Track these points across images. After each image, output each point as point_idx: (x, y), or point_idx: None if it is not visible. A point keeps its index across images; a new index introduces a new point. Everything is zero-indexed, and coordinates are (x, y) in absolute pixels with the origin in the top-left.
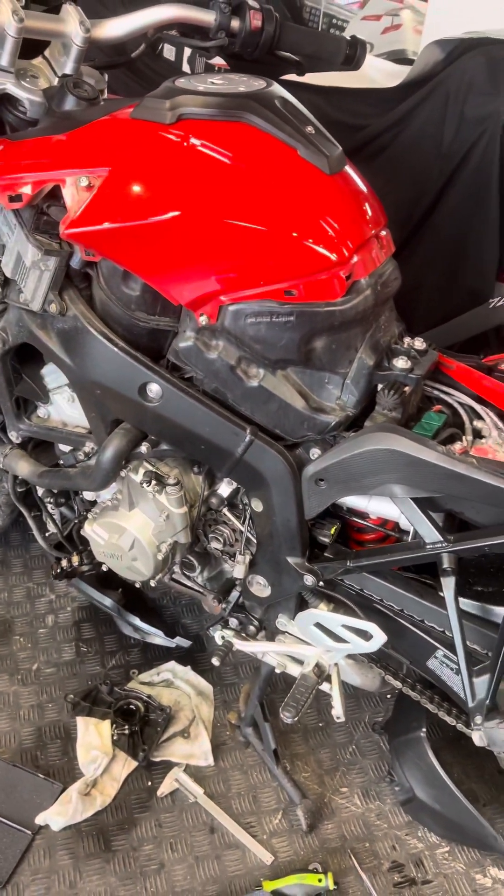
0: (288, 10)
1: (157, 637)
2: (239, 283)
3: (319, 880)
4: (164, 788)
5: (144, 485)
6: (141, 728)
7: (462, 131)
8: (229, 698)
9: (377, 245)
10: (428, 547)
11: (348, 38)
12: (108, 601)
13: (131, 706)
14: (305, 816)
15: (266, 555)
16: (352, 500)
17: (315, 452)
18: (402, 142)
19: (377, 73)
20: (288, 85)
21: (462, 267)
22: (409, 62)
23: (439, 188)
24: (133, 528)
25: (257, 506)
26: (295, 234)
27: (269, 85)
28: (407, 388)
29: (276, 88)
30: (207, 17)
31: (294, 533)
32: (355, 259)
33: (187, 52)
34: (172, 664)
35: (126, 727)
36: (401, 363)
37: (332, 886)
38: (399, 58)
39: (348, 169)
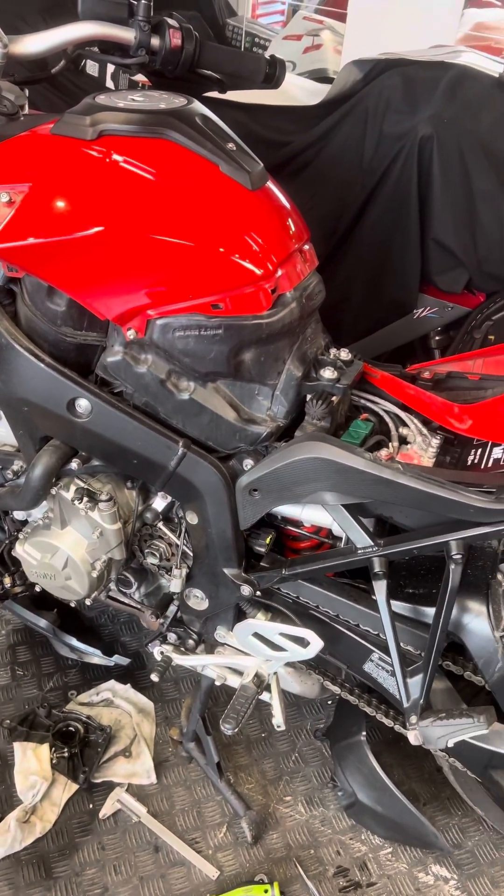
0: (210, 29)
1: (95, 657)
2: (166, 297)
3: (266, 891)
4: (107, 810)
5: (76, 502)
6: (81, 750)
7: (381, 148)
8: (171, 714)
9: (301, 259)
10: (359, 552)
11: (268, 57)
12: (42, 622)
13: (70, 728)
14: (250, 828)
15: (202, 567)
16: (286, 509)
17: (248, 463)
18: (325, 158)
19: (299, 91)
20: (211, 102)
21: (386, 279)
22: (330, 80)
23: (362, 203)
24: (66, 546)
25: (192, 518)
26: (221, 249)
27: (189, 102)
28: (334, 398)
29: (197, 106)
30: (127, 34)
31: (230, 544)
32: (280, 273)
33: (111, 68)
34: (112, 683)
35: (65, 750)
36: (327, 374)
37: None
38: (320, 76)
39: (270, 185)
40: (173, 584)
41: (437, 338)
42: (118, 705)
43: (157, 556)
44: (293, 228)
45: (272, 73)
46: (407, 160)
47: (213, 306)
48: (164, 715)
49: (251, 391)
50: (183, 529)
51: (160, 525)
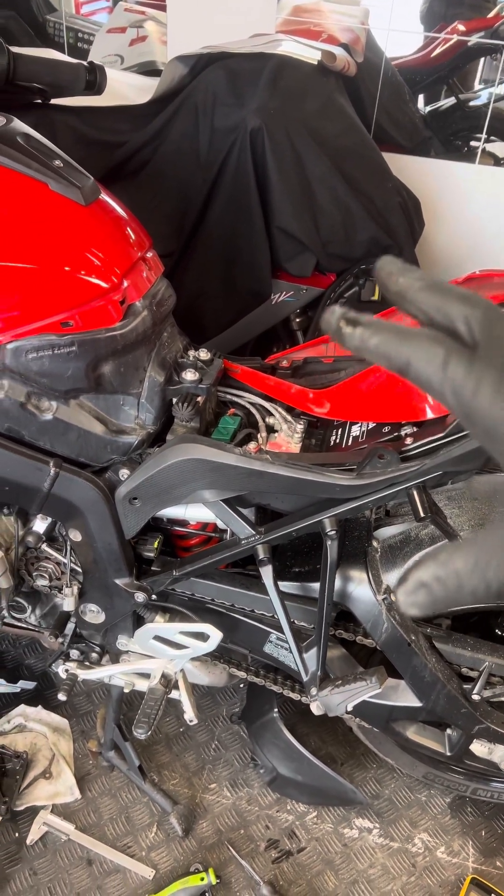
0: (31, 28)
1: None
2: (13, 321)
3: (202, 878)
4: (33, 835)
5: None
6: None
7: (215, 142)
8: (87, 727)
9: (145, 267)
10: (243, 542)
11: (87, 64)
12: None
13: None
14: (179, 822)
15: (94, 582)
16: (169, 511)
17: (124, 473)
18: (162, 155)
19: (128, 89)
20: (39, 109)
21: (239, 270)
22: (160, 73)
23: (205, 196)
24: None
25: (76, 536)
26: (66, 268)
27: (9, 122)
28: (199, 399)
29: (17, 125)
30: None
31: (117, 555)
32: (126, 283)
33: None
34: (22, 708)
35: None
36: (189, 375)
37: (214, 881)
38: (150, 69)
39: (105, 197)
40: (66, 603)
41: (297, 320)
42: (32, 728)
43: (47, 577)
44: (133, 237)
45: (93, 80)
46: (241, 152)
47: (62, 324)
48: (81, 729)
49: (116, 402)
50: (68, 548)
51: (44, 546)
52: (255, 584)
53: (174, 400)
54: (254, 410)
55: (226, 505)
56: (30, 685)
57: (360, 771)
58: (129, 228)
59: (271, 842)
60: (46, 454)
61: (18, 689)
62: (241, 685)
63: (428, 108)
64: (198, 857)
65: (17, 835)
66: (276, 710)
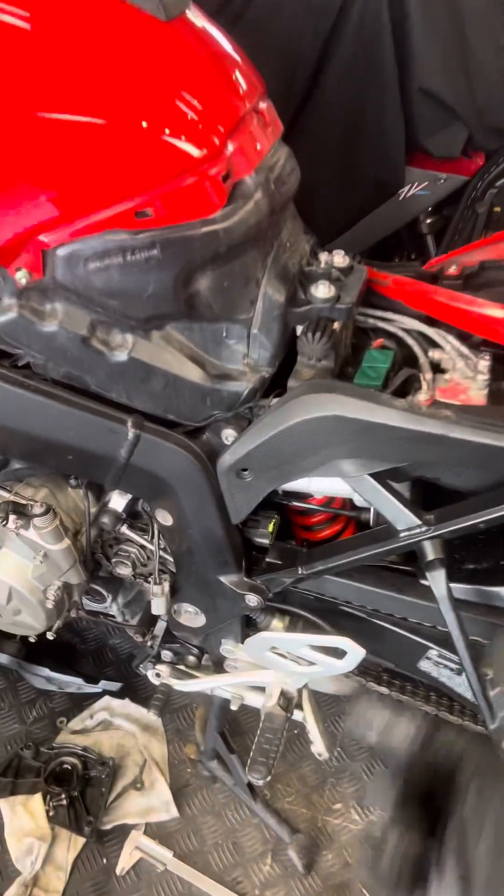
0: None
1: (76, 685)
2: (65, 210)
3: None
4: (124, 863)
5: (2, 522)
6: (82, 792)
7: None
8: (183, 725)
9: (258, 123)
10: (402, 535)
11: None
12: (3, 658)
13: (65, 767)
14: (300, 855)
15: (190, 577)
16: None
17: (229, 435)
18: (259, 2)
19: None
20: None
21: (362, 154)
22: None
23: (318, 53)
24: (4, 576)
25: (165, 519)
26: (143, 124)
27: None
28: (336, 325)
29: None
30: None
31: (221, 545)
32: (231, 148)
33: None
34: (106, 700)
35: (63, 796)
36: (322, 291)
37: None
38: None
39: (197, 17)
40: (155, 603)
41: (428, 221)
42: (118, 726)
43: (129, 564)
44: (240, 78)
45: None
46: None
47: (136, 214)
48: (175, 727)
49: (217, 334)
50: (156, 532)
51: (125, 530)
52: (411, 586)
53: (299, 329)
54: (411, 341)
55: (376, 482)
56: (113, 686)
57: None
58: (232, 65)
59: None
60: (122, 410)
61: (100, 690)
62: None
63: None
64: None
65: (104, 861)
66: None
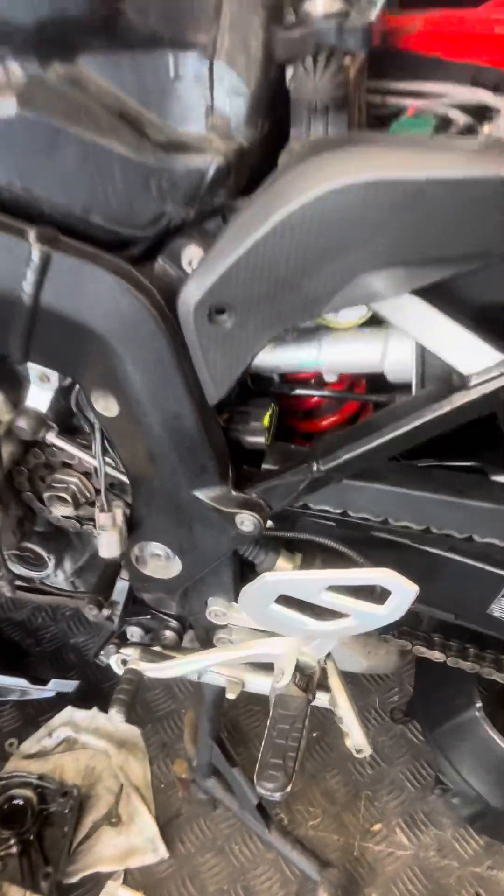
0: None
1: (21, 689)
2: None
3: None
4: None
5: None
6: (39, 834)
7: None
8: (169, 737)
9: None
10: (475, 383)
11: None
12: None
13: (16, 803)
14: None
15: (153, 500)
16: (284, 355)
17: (193, 257)
18: None
19: None
20: None
21: None
22: None
23: None
24: None
25: (108, 408)
26: None
27: None
28: (347, 58)
29: None
30: None
31: (195, 440)
32: None
33: None
34: (69, 712)
35: (13, 842)
36: (320, 4)
37: None
38: None
39: None
40: (103, 542)
41: None
42: (85, 744)
43: (69, 499)
44: None
45: None
46: None
47: None
48: (160, 740)
49: (160, 70)
50: (98, 435)
51: (53, 438)
52: (480, 487)
53: (289, 70)
54: (463, 118)
55: (428, 302)
56: (68, 686)
57: None
58: None
59: None
60: (19, 218)
61: (52, 694)
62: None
63: None
64: None
65: None
66: (478, 704)
